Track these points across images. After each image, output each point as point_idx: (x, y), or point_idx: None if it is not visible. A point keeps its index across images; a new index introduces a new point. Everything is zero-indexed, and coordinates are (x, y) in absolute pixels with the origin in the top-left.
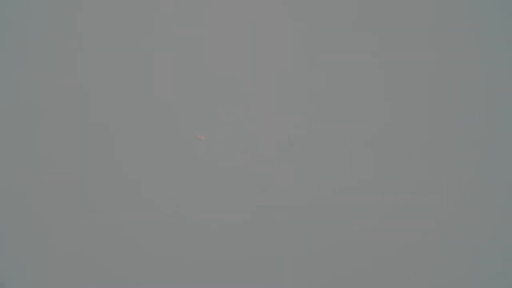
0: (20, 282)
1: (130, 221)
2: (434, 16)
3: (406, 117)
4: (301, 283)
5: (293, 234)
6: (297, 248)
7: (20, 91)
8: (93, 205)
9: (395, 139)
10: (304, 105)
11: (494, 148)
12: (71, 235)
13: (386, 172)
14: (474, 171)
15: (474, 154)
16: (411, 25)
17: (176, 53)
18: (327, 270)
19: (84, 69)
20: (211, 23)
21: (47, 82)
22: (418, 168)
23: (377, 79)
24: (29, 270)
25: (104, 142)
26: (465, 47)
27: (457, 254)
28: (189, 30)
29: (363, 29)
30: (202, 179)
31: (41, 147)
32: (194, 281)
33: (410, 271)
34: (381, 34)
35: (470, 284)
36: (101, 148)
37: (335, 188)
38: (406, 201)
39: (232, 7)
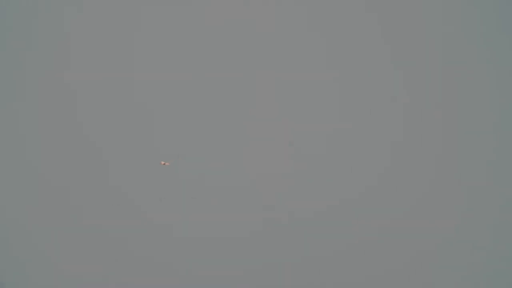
0: (20, 282)
1: (128, 226)
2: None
3: (408, 118)
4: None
5: (295, 236)
6: (297, 250)
7: (15, 99)
8: (92, 207)
9: (396, 140)
10: (305, 106)
11: (496, 149)
12: (70, 236)
13: (388, 174)
14: (474, 172)
15: (475, 155)
16: (415, 28)
17: (177, 51)
18: (327, 271)
19: (78, 75)
20: (211, 22)
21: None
22: (419, 170)
23: (378, 79)
24: (29, 270)
25: (102, 150)
26: (468, 49)
27: (457, 254)
28: (189, 29)
29: (363, 29)
30: (202, 178)
31: (40, 152)
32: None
33: (411, 273)
34: (382, 34)
35: (470, 284)
36: (98, 157)
37: (336, 190)
38: (408, 203)
39: (233, 8)
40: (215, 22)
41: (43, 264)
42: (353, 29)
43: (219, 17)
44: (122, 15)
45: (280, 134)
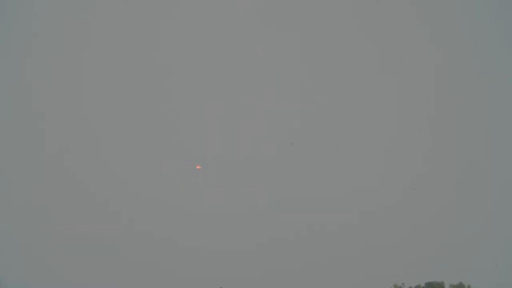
0: (20, 281)
1: (128, 225)
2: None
3: (408, 117)
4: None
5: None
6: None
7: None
8: (92, 207)
9: (397, 140)
10: (306, 105)
11: (495, 149)
12: (70, 236)
13: (388, 172)
14: (474, 172)
15: (474, 155)
16: (413, 26)
17: (178, 49)
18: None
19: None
20: (212, 23)
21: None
22: (420, 169)
23: (380, 79)
24: (29, 270)
25: (103, 148)
26: (466, 49)
27: (456, 254)
28: (189, 28)
29: (363, 30)
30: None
31: (40, 151)
32: None
33: (410, 270)
34: (383, 35)
35: (469, 283)
36: (97, 153)
37: (338, 190)
38: (407, 201)
39: (235, 11)
40: (215, 22)
41: (42, 264)
42: (353, 30)
43: (219, 17)
44: (127, 16)
45: (281, 134)
